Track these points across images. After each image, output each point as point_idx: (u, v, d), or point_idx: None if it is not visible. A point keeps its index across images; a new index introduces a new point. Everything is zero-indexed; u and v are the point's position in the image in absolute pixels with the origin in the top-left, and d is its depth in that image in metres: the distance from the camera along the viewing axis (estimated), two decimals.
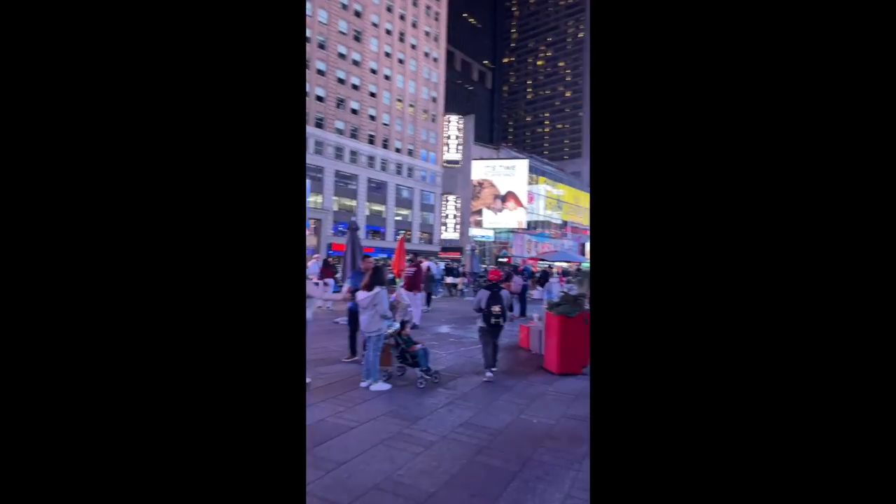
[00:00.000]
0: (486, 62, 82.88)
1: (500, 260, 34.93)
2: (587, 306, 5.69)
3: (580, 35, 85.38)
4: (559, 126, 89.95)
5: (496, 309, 5.05)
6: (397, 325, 5.08)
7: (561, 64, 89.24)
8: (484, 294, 5.21)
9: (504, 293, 5.25)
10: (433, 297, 12.52)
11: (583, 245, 49.80)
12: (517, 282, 11.41)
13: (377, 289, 4.71)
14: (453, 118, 42.02)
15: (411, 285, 8.87)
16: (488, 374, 5.13)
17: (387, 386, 4.67)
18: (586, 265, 25.17)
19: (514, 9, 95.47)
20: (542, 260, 25.87)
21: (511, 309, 5.84)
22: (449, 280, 17.93)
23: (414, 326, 6.96)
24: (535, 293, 14.92)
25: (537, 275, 16.51)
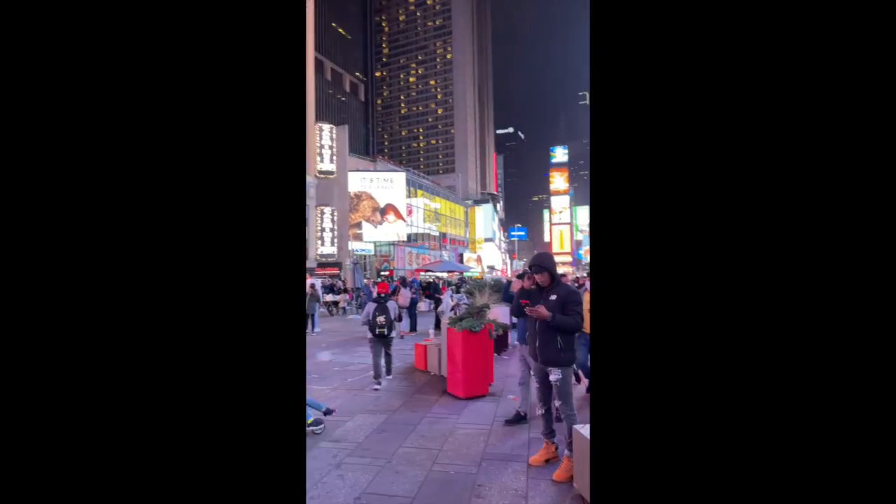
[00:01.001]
0: (357, 74, 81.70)
1: (383, 273, 33.92)
2: (490, 317, 5.17)
3: (448, 56, 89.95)
4: (433, 142, 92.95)
5: (381, 320, 5.28)
6: None
7: (432, 83, 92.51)
8: (371, 306, 5.40)
9: (391, 304, 5.45)
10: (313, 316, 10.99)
11: (461, 255, 51.67)
12: (405, 294, 10.69)
13: None
14: (326, 127, 39.91)
15: None
16: (375, 385, 5.31)
17: None
18: (468, 274, 25.79)
19: (383, 24, 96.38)
20: (429, 271, 25.72)
21: (400, 320, 5.91)
22: (329, 298, 16.39)
23: None
24: (423, 305, 14.40)
25: (423, 285, 16.07)
